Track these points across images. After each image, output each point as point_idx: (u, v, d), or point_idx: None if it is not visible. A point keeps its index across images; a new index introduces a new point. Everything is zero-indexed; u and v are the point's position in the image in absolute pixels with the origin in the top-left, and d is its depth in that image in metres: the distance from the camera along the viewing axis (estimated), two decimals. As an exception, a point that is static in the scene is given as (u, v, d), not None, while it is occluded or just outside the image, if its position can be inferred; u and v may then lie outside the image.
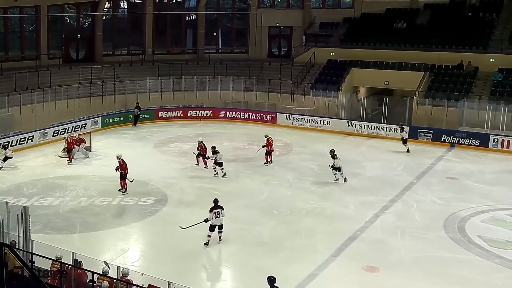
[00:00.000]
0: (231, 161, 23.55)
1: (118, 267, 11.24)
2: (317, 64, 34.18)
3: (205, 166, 22.14)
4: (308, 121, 30.11)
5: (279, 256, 14.61)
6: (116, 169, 19.20)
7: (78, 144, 23.64)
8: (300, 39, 37.29)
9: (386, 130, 28.15)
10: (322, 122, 29.75)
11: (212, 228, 14.98)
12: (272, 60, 36.52)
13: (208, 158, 21.92)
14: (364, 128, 28.80)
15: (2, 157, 21.77)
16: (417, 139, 26.65)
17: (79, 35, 35.79)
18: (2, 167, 21.72)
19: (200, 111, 31.96)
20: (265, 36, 38.30)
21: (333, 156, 20.65)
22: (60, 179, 20.83)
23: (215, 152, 21.14)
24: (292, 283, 12.97)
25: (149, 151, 25.41)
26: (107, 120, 29.41)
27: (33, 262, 10.90)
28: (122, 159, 19.26)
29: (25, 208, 12.67)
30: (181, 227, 15.11)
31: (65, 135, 24.29)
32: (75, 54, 35.38)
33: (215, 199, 15.38)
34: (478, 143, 26.13)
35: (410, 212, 18.06)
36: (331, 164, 20.58)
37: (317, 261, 14.28)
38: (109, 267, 11.16)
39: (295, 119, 30.49)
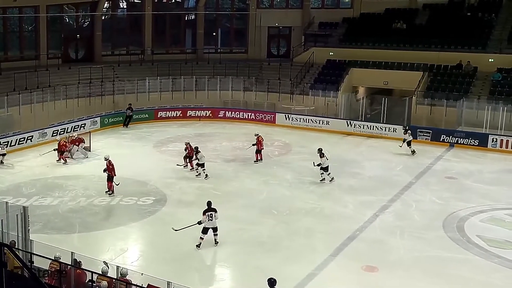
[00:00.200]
0: (230, 161, 23.59)
1: (117, 267, 11.24)
2: (316, 64, 34.19)
3: (191, 168, 21.87)
4: (307, 121, 30.13)
5: (278, 256, 14.62)
6: (104, 171, 19.09)
7: (77, 144, 23.68)
8: (299, 39, 37.30)
9: (385, 130, 28.16)
10: (321, 122, 29.76)
11: (205, 231, 14.83)
12: (271, 60, 36.54)
13: (194, 159, 21.66)
14: (363, 128, 28.82)
15: None
16: (416, 139, 26.64)
17: (78, 35, 35.76)
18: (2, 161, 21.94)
19: (199, 111, 31.96)
20: (264, 36, 38.29)
21: (321, 155, 20.61)
22: (59, 179, 20.84)
23: (197, 152, 21.11)
24: (291, 283, 12.98)
25: (149, 151, 25.41)
26: (106, 120, 29.42)
27: (33, 262, 10.90)
28: (109, 161, 19.17)
29: (24, 208, 12.67)
30: (173, 229, 15.05)
31: (58, 137, 24.30)
32: (74, 54, 35.38)
33: (208, 201, 15.21)
34: (477, 143, 26.15)
35: (409, 212, 18.08)
36: (318, 163, 20.51)
37: (316, 260, 14.30)
38: (108, 267, 11.16)
39: (294, 119, 30.50)
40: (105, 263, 11.40)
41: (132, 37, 37.51)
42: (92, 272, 10.58)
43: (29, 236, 12.46)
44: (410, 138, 24.78)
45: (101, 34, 35.21)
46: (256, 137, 23.49)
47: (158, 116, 31.37)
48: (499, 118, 26.32)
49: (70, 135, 24.63)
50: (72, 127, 26.92)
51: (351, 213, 17.98)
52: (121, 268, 11.19)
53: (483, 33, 32.21)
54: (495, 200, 19.24)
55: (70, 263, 11.06)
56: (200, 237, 14.81)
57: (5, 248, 8.15)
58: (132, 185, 20.16)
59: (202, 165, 21.08)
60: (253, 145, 23.39)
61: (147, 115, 31.12)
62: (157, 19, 37.14)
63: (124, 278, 10.95)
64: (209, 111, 31.99)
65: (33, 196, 18.74)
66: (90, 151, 24.27)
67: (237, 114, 31.79)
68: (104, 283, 10.44)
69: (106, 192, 18.99)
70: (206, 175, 21.02)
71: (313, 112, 30.88)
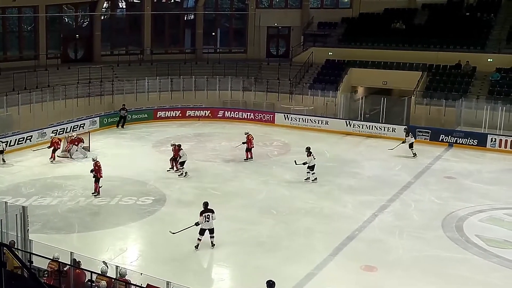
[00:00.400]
0: (230, 161, 23.59)
1: (117, 267, 11.25)
2: (315, 64, 34.20)
3: (175, 169, 21.66)
4: (306, 121, 30.14)
5: (277, 256, 14.63)
6: (91, 171, 18.98)
7: (76, 143, 23.69)
8: (298, 39, 37.31)
9: (384, 130, 28.19)
10: (320, 122, 29.78)
11: (202, 232, 14.73)
12: (271, 60, 36.56)
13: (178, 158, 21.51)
14: (362, 128, 28.84)
15: None
16: (415, 138, 26.63)
17: (77, 35, 35.76)
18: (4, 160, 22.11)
19: (199, 111, 31.96)
20: (264, 36, 38.31)
21: (308, 154, 20.65)
22: (58, 179, 20.84)
23: (179, 149, 21.09)
24: (291, 283, 13.00)
25: (148, 151, 25.42)
26: (105, 120, 29.42)
27: (32, 262, 10.91)
28: (96, 162, 19.08)
29: (23, 208, 12.69)
30: (171, 232, 15.00)
31: (52, 134, 24.39)
32: (74, 54, 35.38)
33: (205, 202, 15.04)
34: (476, 143, 26.18)
35: (408, 212, 18.10)
36: (304, 162, 20.54)
37: (316, 260, 14.31)
38: (107, 267, 11.17)
39: (293, 119, 30.52)
40: (104, 263, 11.40)
41: (131, 37, 37.51)
42: (92, 272, 10.58)
43: (28, 236, 12.48)
44: (412, 140, 24.48)
45: (100, 34, 35.22)
46: (246, 135, 23.61)
47: (157, 116, 31.36)
48: (498, 118, 26.35)
49: (69, 135, 24.63)
50: (71, 127, 26.93)
51: (350, 213, 17.99)
52: (120, 268, 11.18)
53: (482, 33, 32.24)
54: (494, 199, 19.26)
55: (69, 263, 11.06)
56: (198, 239, 14.76)
57: (4, 248, 8.16)
58: (131, 185, 20.18)
59: (182, 164, 21.01)
60: (243, 143, 23.51)
61: (146, 115, 31.12)
62: (156, 19, 37.14)
63: (123, 278, 10.95)
64: (208, 111, 32.00)
65: (32, 196, 18.74)
66: (89, 151, 24.27)
67: (236, 114, 31.79)
68: (103, 283, 10.44)
69: (92, 193, 18.79)
70: (184, 174, 20.95)
71: (312, 112, 30.89)
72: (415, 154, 24.33)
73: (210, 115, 31.95)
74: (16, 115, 26.29)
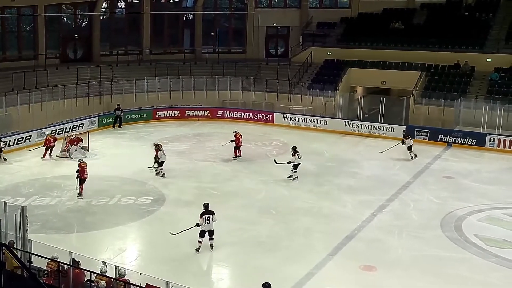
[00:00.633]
0: (229, 161, 23.59)
1: (116, 267, 11.24)
2: (314, 63, 34.21)
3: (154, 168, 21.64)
4: (305, 121, 30.15)
5: (277, 256, 14.63)
6: (77, 171, 18.79)
7: (75, 143, 23.69)
8: (297, 39, 37.32)
9: (383, 130, 28.21)
10: (319, 122, 29.79)
11: (202, 234, 14.60)
12: (270, 60, 36.58)
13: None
14: (361, 127, 28.86)
15: None
16: (414, 138, 26.65)
17: (76, 35, 35.75)
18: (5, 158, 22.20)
19: (198, 111, 31.96)
20: (263, 36, 38.30)
21: (293, 153, 20.72)
22: (57, 178, 20.83)
23: (158, 149, 21.07)
24: (290, 282, 13.01)
25: (147, 151, 25.24)
26: (104, 120, 29.41)
27: (31, 262, 10.91)
28: (80, 163, 18.95)
29: (22, 208, 12.66)
30: (171, 234, 14.95)
31: (47, 132, 24.41)
32: (73, 54, 35.35)
33: (205, 203, 14.90)
34: (475, 143, 26.21)
35: (407, 211, 18.12)
36: (288, 161, 20.62)
37: (315, 260, 14.31)
38: (106, 267, 11.16)
39: (293, 119, 30.52)
40: (103, 262, 11.40)
41: (130, 37, 37.50)
42: (91, 272, 10.58)
43: (27, 236, 12.46)
44: (411, 142, 24.21)
45: (100, 34, 35.20)
46: (234, 134, 23.71)
47: (156, 116, 31.35)
48: (497, 118, 26.36)
49: (68, 134, 24.63)
50: (70, 126, 26.91)
51: (349, 212, 18.00)
52: (119, 268, 11.17)
53: (480, 33, 32.27)
54: (493, 199, 19.28)
55: (68, 263, 11.06)
56: (199, 241, 14.63)
57: (3, 248, 8.16)
58: (130, 184, 20.19)
59: (161, 164, 20.94)
60: (231, 141, 23.61)
61: (145, 115, 31.11)
62: (155, 19, 37.13)
63: (123, 278, 10.95)
64: (207, 111, 31.99)
65: (31, 196, 18.73)
66: (88, 150, 24.27)
67: (235, 114, 31.79)
68: (103, 282, 10.45)
69: (77, 195, 18.59)
70: (163, 174, 20.91)
71: (311, 111, 30.90)
72: (414, 156, 23.92)
73: (209, 115, 31.95)
74: (15, 115, 26.30)
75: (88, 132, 26.07)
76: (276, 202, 18.70)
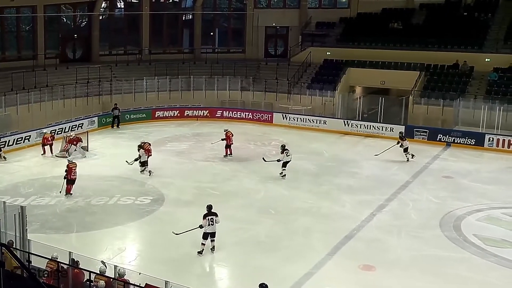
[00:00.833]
0: (228, 161, 23.60)
1: (115, 267, 11.25)
2: (313, 63, 34.23)
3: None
4: (304, 121, 30.17)
5: (276, 255, 14.64)
6: (66, 171, 18.75)
7: (75, 143, 23.71)
8: (297, 39, 37.33)
9: (382, 130, 28.23)
10: (318, 122, 29.81)
11: (205, 236, 14.44)
12: (269, 60, 36.60)
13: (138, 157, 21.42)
14: (361, 127, 28.88)
15: None
16: (413, 138, 26.71)
17: (75, 35, 35.78)
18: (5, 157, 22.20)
19: (197, 111, 31.98)
20: (262, 36, 38.32)
21: (282, 151, 20.93)
22: (57, 178, 20.72)
23: (139, 149, 21.09)
24: (289, 282, 13.02)
25: (146, 150, 25.38)
26: (104, 120, 29.41)
27: (30, 262, 10.92)
28: (68, 164, 18.94)
29: (22, 207, 12.66)
30: (174, 233, 14.86)
31: (45, 130, 24.42)
32: (72, 54, 35.37)
33: (208, 205, 14.80)
34: (474, 142, 26.24)
35: (406, 211, 18.14)
36: (278, 159, 20.84)
37: (314, 260, 14.32)
38: (106, 266, 11.17)
39: (292, 119, 30.54)
40: (103, 262, 11.41)
41: (130, 37, 37.52)
42: (90, 272, 10.59)
43: (27, 235, 12.46)
44: (407, 144, 24.00)
45: (99, 34, 35.21)
46: (225, 132, 23.85)
47: (156, 116, 31.36)
48: (496, 118, 26.39)
49: (68, 134, 24.63)
50: (69, 126, 26.91)
51: (348, 212, 18.02)
52: (118, 268, 11.17)
53: (479, 33, 32.29)
54: (492, 199, 19.30)
55: (68, 263, 11.07)
56: (202, 243, 14.49)
57: (3, 247, 8.17)
58: (129, 184, 20.20)
59: (143, 164, 20.96)
60: (222, 139, 23.74)
61: (144, 115, 31.11)
62: (154, 19, 37.13)
63: (122, 278, 10.96)
64: (207, 111, 32.01)
65: (31, 195, 18.73)
66: (87, 150, 24.30)
67: (235, 113, 31.80)
68: (102, 282, 10.46)
69: (65, 195, 18.60)
70: (149, 171, 20.92)
71: (310, 111, 30.92)
72: (411, 157, 23.76)
73: (208, 114, 31.96)
74: (15, 115, 26.30)
75: (87, 132, 26.08)
76: (275, 202, 18.72)
